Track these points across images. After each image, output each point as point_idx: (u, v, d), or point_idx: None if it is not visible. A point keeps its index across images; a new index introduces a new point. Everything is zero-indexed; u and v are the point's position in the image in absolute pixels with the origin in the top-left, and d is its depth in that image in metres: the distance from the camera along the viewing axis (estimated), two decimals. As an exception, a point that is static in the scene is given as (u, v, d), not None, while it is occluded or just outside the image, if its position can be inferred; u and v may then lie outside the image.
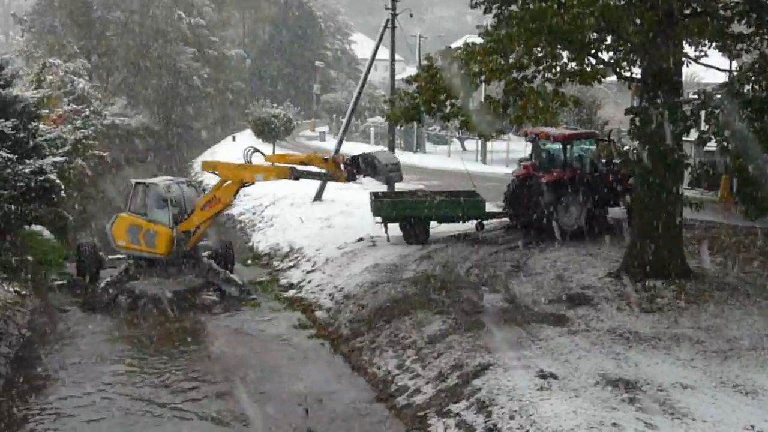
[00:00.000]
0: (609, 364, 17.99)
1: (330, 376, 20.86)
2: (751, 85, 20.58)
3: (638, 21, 22.41)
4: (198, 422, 18.38)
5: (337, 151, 42.26)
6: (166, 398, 19.56)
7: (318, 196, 41.46)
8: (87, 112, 49.89)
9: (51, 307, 27.17)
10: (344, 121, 43.97)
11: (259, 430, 17.94)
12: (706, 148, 26.10)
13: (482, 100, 26.29)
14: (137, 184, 29.69)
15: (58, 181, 29.58)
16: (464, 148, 67.33)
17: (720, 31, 23.16)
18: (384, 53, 44.28)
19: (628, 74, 25.33)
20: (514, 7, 23.56)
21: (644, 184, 23.39)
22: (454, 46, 26.25)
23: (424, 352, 20.19)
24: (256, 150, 28.15)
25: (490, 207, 31.83)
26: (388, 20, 38.96)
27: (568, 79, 24.20)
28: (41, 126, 32.06)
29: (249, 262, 33.99)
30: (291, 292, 28.58)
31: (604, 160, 30.30)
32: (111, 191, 55.19)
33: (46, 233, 34.00)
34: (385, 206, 30.95)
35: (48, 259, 31.67)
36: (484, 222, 31.23)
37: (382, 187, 30.93)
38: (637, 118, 22.72)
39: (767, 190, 20.46)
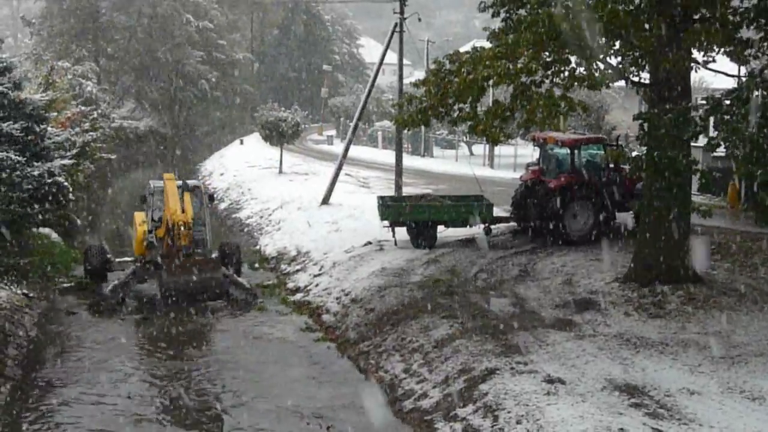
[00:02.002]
0: (616, 369, 17.98)
1: (337, 381, 20.86)
2: (760, 90, 20.54)
3: (646, 26, 22.39)
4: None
5: (344, 153, 42.28)
6: (171, 404, 19.55)
7: (325, 200, 41.48)
8: (95, 115, 50.04)
9: (59, 309, 27.24)
10: (352, 125, 44.00)
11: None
12: (714, 154, 26.09)
13: (490, 104, 26.25)
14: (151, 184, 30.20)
15: (66, 183, 29.67)
16: (472, 153, 67.32)
17: (728, 36, 23.12)
18: (392, 57, 44.28)
19: (636, 79, 25.32)
20: (522, 12, 23.56)
21: (652, 190, 23.37)
22: (462, 50, 26.21)
23: (431, 357, 20.20)
24: (186, 188, 27.69)
25: (497, 211, 31.82)
26: (396, 24, 38.91)
27: (576, 84, 24.18)
28: (49, 129, 32.17)
29: (256, 265, 34.03)
30: (298, 296, 28.61)
31: (612, 165, 30.25)
32: (119, 194, 55.41)
33: (54, 236, 34.11)
34: (392, 210, 30.97)
35: (56, 262, 31.76)
36: (492, 226, 31.23)
37: (390, 191, 30.90)
38: (645, 124, 22.69)
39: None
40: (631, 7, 21.82)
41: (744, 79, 22.76)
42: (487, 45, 24.68)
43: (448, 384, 18.53)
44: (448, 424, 16.88)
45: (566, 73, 24.00)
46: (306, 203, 42.51)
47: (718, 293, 22.88)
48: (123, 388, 20.32)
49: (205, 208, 29.46)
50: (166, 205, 26.32)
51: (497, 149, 56.28)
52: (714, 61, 25.39)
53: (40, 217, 29.28)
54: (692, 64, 24.08)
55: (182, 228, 25.40)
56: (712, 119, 21.39)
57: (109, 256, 30.25)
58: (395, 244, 30.84)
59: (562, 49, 22.73)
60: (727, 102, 20.77)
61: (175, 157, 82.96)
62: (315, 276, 30.09)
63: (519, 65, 23.24)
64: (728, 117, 20.44)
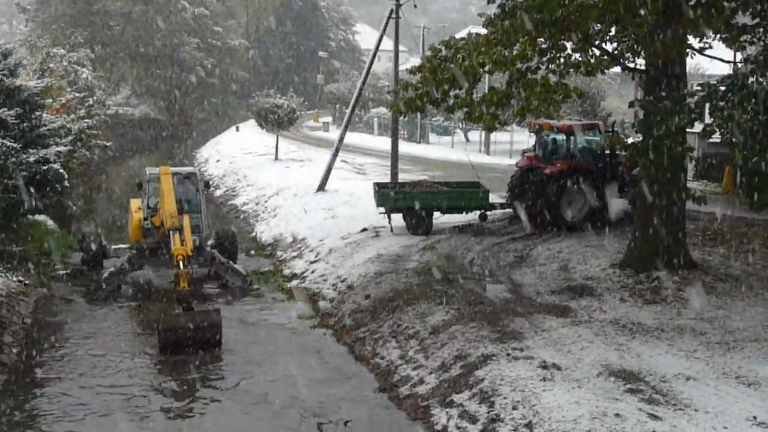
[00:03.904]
0: (612, 355, 18.01)
1: (333, 367, 20.88)
2: (755, 77, 20.54)
3: (642, 12, 22.36)
4: (201, 419, 18.43)
5: (340, 140, 42.27)
6: (170, 394, 19.52)
7: (321, 187, 41.47)
8: (90, 102, 49.85)
9: (54, 297, 27.21)
10: (348, 111, 43.92)
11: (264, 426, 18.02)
12: (710, 140, 26.08)
13: (486, 91, 26.22)
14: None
15: (61, 170, 29.56)
16: (468, 139, 67.33)
17: (724, 22, 23.11)
18: (388, 44, 44.17)
19: (632, 65, 25.30)
20: (518, -2, 23.52)
21: (648, 176, 23.38)
22: (458, 36, 26.18)
23: (427, 343, 20.22)
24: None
25: (493, 198, 31.82)
26: (392, 10, 38.83)
27: (571, 70, 24.15)
28: (45, 115, 32.02)
29: (252, 252, 34.04)
30: (294, 283, 28.62)
31: (607, 152, 30.26)
32: (114, 181, 55.35)
33: (50, 223, 34.03)
34: (388, 197, 30.96)
35: (51, 249, 31.68)
36: (488, 213, 31.24)
37: (386, 178, 30.84)
38: (641, 110, 22.69)
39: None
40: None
41: (740, 65, 22.75)
42: (483, 31, 24.65)
43: (445, 370, 18.55)
44: (444, 410, 16.90)
45: (562, 60, 23.98)
46: (302, 190, 42.49)
47: (714, 279, 22.93)
48: (117, 376, 20.31)
49: (201, 195, 29.40)
50: (162, 205, 25.99)
51: (493, 135, 56.33)
52: (710, 47, 25.38)
53: (35, 204, 29.17)
54: (688, 50, 24.08)
55: (181, 264, 22.78)
56: (707, 105, 21.39)
57: (104, 243, 30.22)
58: (391, 230, 30.85)
59: (557, 35, 22.70)
60: (723, 88, 20.77)
61: (171, 144, 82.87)
62: (311, 263, 30.10)
63: (515, 51, 23.22)
64: (723, 104, 20.44)
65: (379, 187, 32.06)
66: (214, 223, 35.02)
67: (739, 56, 29.18)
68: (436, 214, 31.08)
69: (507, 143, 58.34)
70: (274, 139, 58.66)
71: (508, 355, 18.26)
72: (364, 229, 31.87)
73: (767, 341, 18.79)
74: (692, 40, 24.96)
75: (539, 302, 22.23)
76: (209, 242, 29.89)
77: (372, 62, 42.53)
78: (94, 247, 29.58)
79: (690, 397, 15.82)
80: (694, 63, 40.83)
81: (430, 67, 25.02)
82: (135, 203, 29.90)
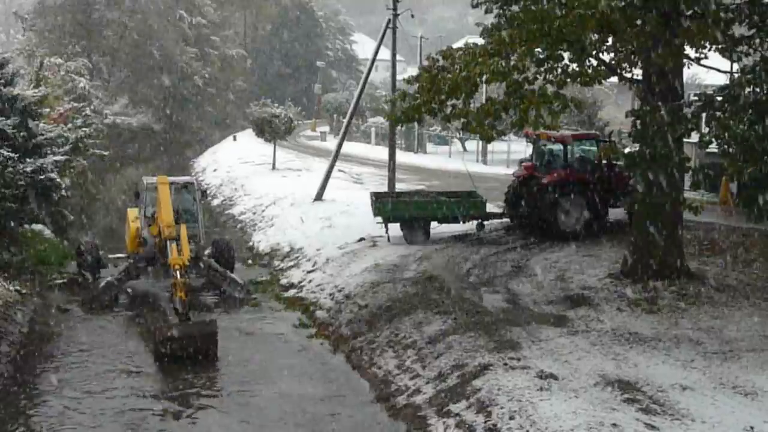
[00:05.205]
0: (609, 365, 18.01)
1: (330, 377, 20.86)
2: (751, 87, 20.59)
3: (639, 23, 22.42)
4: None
5: (338, 149, 42.28)
6: (165, 405, 19.45)
7: (319, 196, 41.47)
8: (88, 111, 49.90)
9: (51, 306, 27.16)
10: (345, 121, 43.97)
11: None
12: (707, 150, 26.16)
13: (483, 101, 26.23)
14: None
15: (58, 180, 29.60)
16: (465, 149, 67.37)
17: (721, 33, 23.17)
18: (385, 53, 44.26)
19: (629, 76, 25.35)
20: (515, 8, 23.57)
21: (645, 186, 23.40)
22: (455, 46, 26.20)
23: (424, 352, 20.21)
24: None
25: (490, 207, 31.82)
26: (389, 20, 38.89)
27: (569, 80, 24.19)
28: (42, 125, 32.08)
29: (249, 261, 34.01)
30: (291, 292, 28.60)
31: (605, 162, 30.28)
32: (112, 190, 55.33)
33: (47, 232, 34.04)
34: (385, 206, 30.95)
35: (48, 258, 31.69)
36: (485, 222, 31.23)
37: (383, 187, 30.82)
38: (638, 120, 22.72)
39: (768, 193, 20.46)
40: (624, 3, 21.85)
41: (736, 75, 22.81)
42: (481, 41, 24.68)
43: (442, 380, 18.54)
44: (441, 419, 16.89)
45: (559, 70, 24.00)
46: (299, 199, 42.49)
47: (711, 289, 22.93)
48: (112, 386, 20.25)
49: (198, 204, 29.41)
50: (159, 214, 25.97)
51: (490, 145, 56.36)
52: (706, 57, 25.44)
53: (32, 213, 29.21)
54: (685, 61, 24.13)
55: (178, 274, 22.79)
56: (704, 115, 21.44)
57: (101, 252, 30.21)
58: (388, 240, 30.83)
59: (555, 45, 22.74)
60: (719, 98, 20.82)
61: (169, 154, 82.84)
62: (308, 272, 30.07)
63: (512, 62, 23.24)
64: (719, 114, 20.49)
65: (377, 197, 32.05)
66: (211, 233, 35.01)
67: (735, 67, 29.24)
68: (434, 224, 31.07)
69: (504, 153, 58.40)
70: (271, 148, 58.68)
71: (505, 364, 18.25)
72: (362, 239, 31.85)
73: (764, 351, 18.80)
74: (689, 51, 25.02)
75: (536, 312, 22.22)
76: (206, 252, 29.87)
77: (369, 72, 42.57)
78: (90, 256, 29.55)
79: (687, 407, 15.81)
80: (691, 73, 40.97)
81: (427, 77, 25.03)
82: (132, 213, 29.90)
